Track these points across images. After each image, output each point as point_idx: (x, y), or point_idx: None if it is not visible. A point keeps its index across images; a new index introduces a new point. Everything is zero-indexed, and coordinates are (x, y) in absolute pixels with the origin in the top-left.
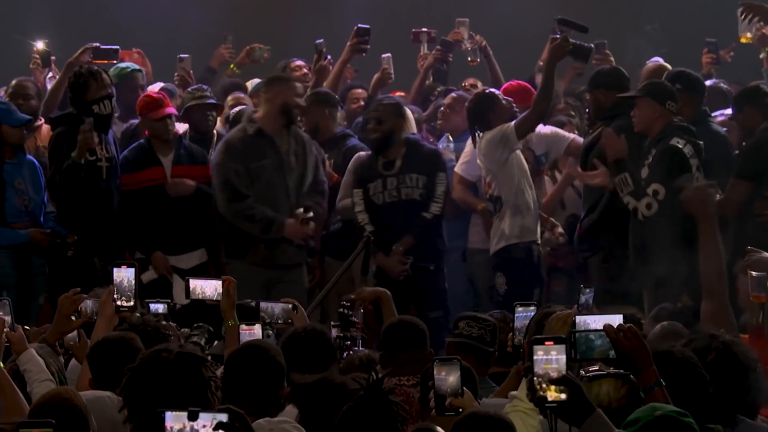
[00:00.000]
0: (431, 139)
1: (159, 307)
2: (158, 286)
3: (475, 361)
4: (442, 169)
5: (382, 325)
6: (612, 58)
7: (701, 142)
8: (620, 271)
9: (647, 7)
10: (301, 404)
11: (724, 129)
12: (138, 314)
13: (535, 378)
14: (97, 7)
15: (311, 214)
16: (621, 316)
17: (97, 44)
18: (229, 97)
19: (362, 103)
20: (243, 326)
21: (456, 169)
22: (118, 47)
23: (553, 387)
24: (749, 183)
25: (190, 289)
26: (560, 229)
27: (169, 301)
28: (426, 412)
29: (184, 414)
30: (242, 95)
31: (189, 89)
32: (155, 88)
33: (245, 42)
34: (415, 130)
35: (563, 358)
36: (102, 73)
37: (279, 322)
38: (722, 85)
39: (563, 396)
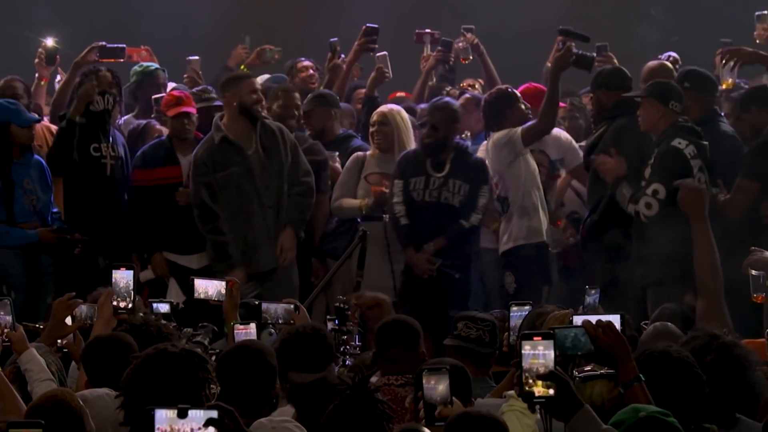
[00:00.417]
0: None
1: (162, 307)
2: (154, 287)
3: (472, 364)
4: (486, 182)
5: None
6: (615, 60)
7: (706, 143)
8: (623, 270)
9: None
10: (298, 403)
11: None
12: (140, 314)
13: (522, 373)
14: (105, 5)
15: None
16: (620, 317)
17: (104, 43)
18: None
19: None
20: (238, 326)
21: None
22: (124, 46)
23: (540, 382)
24: (756, 184)
25: (195, 288)
26: (572, 229)
27: (173, 301)
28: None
29: (174, 411)
30: None
31: (194, 90)
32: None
33: (252, 42)
34: (412, 135)
35: (551, 353)
36: (104, 73)
37: (279, 322)
38: (742, 84)
39: (551, 391)
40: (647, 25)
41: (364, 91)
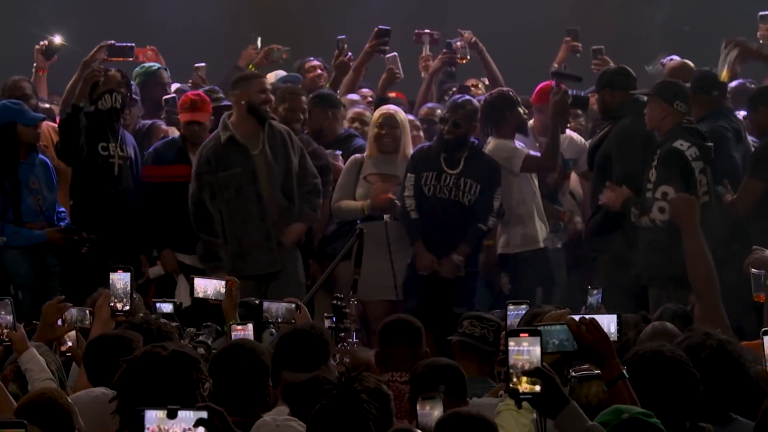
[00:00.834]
0: None
1: (165, 307)
2: (163, 285)
3: (478, 360)
4: (499, 184)
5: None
6: (611, 63)
7: (710, 144)
8: (626, 270)
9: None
10: (291, 403)
11: None
12: (140, 314)
13: (508, 370)
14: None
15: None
16: (616, 317)
17: (112, 41)
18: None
19: (370, 99)
20: (235, 326)
21: None
22: (133, 45)
23: (525, 378)
24: (762, 183)
25: (194, 288)
26: (578, 217)
27: (176, 300)
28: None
29: (164, 412)
30: None
31: (202, 90)
32: (172, 88)
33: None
34: (409, 136)
35: (536, 350)
36: (114, 73)
37: (279, 321)
38: (748, 84)
39: (537, 388)
40: (655, 9)
41: (364, 91)
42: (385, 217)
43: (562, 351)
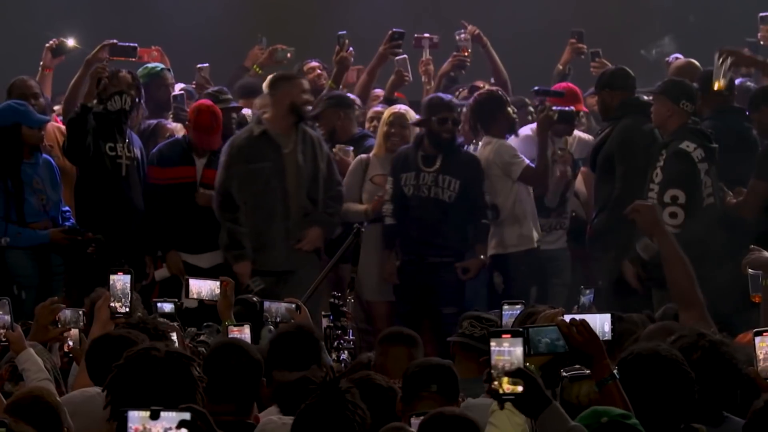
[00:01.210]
0: None
1: (166, 307)
2: (167, 286)
3: (477, 361)
4: (484, 178)
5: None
6: (609, 64)
7: (715, 146)
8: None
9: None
10: (281, 403)
11: None
12: (138, 314)
13: (491, 370)
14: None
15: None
16: (609, 316)
17: (115, 41)
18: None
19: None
20: (232, 327)
21: None
22: (136, 45)
23: (507, 379)
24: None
25: (189, 288)
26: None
27: (176, 300)
28: (407, 413)
29: (147, 413)
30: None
31: (209, 90)
32: (176, 88)
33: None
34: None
35: (518, 350)
36: (124, 74)
37: (277, 320)
38: (749, 83)
39: (520, 388)
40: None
41: (376, 92)
42: (388, 219)
43: (553, 352)
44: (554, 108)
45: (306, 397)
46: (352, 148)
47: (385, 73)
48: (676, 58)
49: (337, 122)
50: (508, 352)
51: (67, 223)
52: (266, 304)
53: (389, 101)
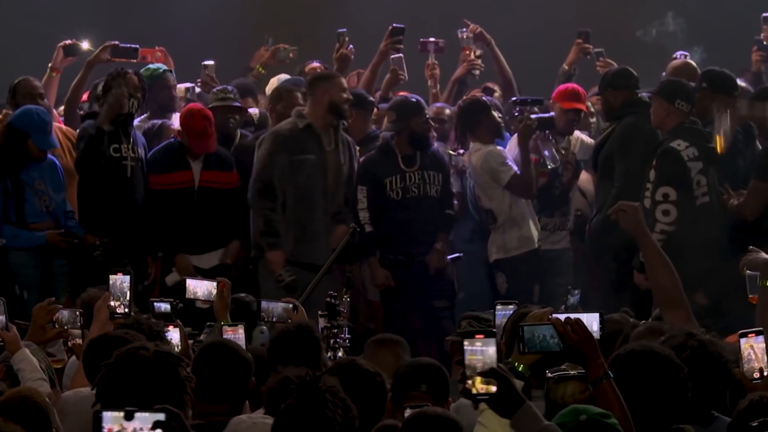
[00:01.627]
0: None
1: (163, 306)
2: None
3: None
4: (449, 169)
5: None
6: (614, 64)
7: (713, 145)
8: (629, 269)
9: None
10: (267, 404)
11: None
12: (132, 313)
13: (464, 370)
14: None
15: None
16: (598, 315)
17: (116, 42)
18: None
19: None
20: (226, 327)
21: None
22: (137, 46)
23: (480, 379)
24: None
25: (186, 289)
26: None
27: (173, 300)
28: (397, 411)
29: (121, 414)
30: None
31: (215, 89)
32: (181, 88)
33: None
34: None
35: (491, 350)
36: (132, 76)
37: (273, 319)
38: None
39: (493, 388)
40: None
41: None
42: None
43: (548, 350)
44: (533, 116)
45: (287, 396)
46: (357, 148)
47: (384, 74)
48: (675, 58)
49: (351, 121)
50: (480, 351)
51: (69, 223)
52: (263, 303)
53: (385, 101)
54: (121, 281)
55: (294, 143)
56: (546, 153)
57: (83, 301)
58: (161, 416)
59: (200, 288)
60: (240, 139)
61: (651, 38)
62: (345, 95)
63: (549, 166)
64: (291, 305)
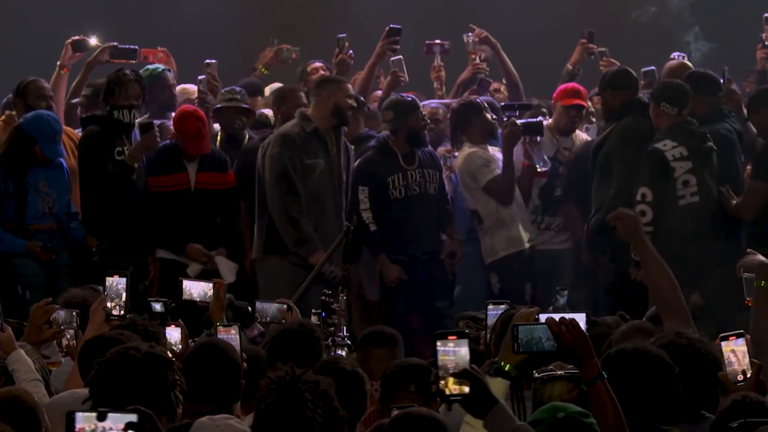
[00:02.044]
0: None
1: (157, 306)
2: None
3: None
4: (443, 168)
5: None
6: (617, 63)
7: (708, 145)
8: (626, 270)
9: None
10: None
11: None
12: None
13: (437, 371)
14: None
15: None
16: (584, 315)
17: (115, 43)
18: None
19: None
20: (220, 328)
21: None
22: (136, 47)
23: (453, 380)
24: (766, 185)
25: (183, 289)
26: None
27: (166, 299)
28: (386, 411)
29: (94, 414)
30: None
31: (223, 90)
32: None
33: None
34: None
35: (463, 351)
36: (133, 84)
37: (266, 319)
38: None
39: (466, 389)
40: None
41: (378, 93)
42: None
43: (543, 351)
44: (518, 122)
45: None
46: (353, 147)
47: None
48: (672, 59)
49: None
50: (453, 352)
51: (72, 225)
52: (257, 304)
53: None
54: (117, 283)
55: (304, 146)
56: (535, 157)
57: (65, 301)
58: (133, 417)
59: (196, 289)
60: (248, 141)
61: (647, 17)
62: (350, 101)
63: (539, 170)
64: (285, 306)
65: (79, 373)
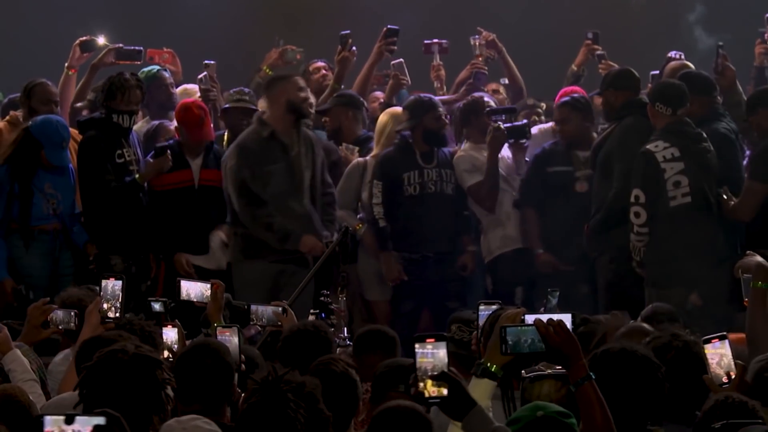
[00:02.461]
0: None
1: (157, 305)
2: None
3: (461, 365)
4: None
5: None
6: (616, 65)
7: (704, 145)
8: (626, 270)
9: None
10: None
11: None
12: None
13: (415, 373)
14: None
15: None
16: (570, 316)
17: (120, 45)
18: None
19: (381, 101)
20: (219, 329)
21: None
22: (141, 48)
23: (431, 382)
24: (764, 185)
25: (180, 290)
26: None
27: (166, 299)
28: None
29: (62, 417)
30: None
31: (231, 91)
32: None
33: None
34: None
35: (441, 353)
36: (135, 90)
37: (263, 321)
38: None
39: (445, 391)
40: None
41: (377, 94)
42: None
43: (532, 352)
44: (503, 126)
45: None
46: (357, 147)
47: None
48: (671, 59)
49: (344, 121)
50: (431, 354)
51: (74, 227)
52: (253, 307)
53: (388, 106)
54: (113, 285)
55: (261, 153)
56: (518, 162)
57: (62, 300)
58: (101, 420)
59: (193, 289)
60: None
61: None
62: (303, 94)
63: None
64: (281, 308)
65: (76, 374)
